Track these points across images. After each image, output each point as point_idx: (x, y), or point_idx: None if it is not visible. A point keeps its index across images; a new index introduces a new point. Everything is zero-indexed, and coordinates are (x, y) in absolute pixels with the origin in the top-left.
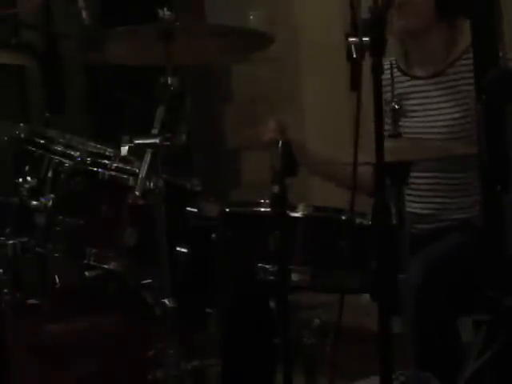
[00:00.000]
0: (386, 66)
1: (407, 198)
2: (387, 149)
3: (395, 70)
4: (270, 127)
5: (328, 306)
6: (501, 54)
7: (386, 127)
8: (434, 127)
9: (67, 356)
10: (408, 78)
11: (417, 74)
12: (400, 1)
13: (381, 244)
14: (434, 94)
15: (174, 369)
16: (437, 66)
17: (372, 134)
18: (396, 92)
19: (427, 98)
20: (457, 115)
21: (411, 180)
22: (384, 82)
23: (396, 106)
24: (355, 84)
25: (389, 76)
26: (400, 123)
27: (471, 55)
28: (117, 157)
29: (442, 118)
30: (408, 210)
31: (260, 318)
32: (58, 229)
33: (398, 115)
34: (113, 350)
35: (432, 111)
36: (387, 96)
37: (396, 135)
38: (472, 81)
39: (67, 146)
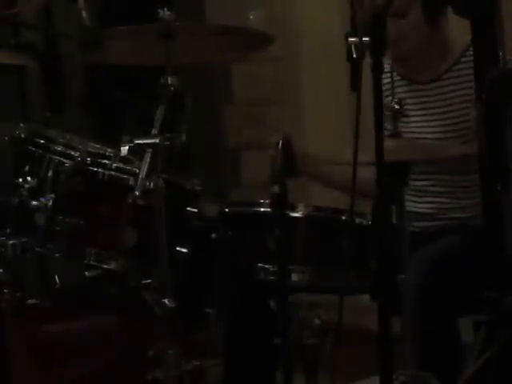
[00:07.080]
0: (386, 69)
1: (408, 197)
2: (387, 149)
3: (394, 73)
4: None
5: (328, 306)
6: (501, 54)
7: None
8: (431, 132)
9: (67, 356)
10: (406, 82)
11: (415, 78)
12: (394, 37)
13: (381, 244)
14: (433, 98)
15: (173, 369)
16: (434, 71)
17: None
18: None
19: (426, 102)
20: (454, 120)
21: (412, 180)
22: (384, 87)
23: (396, 106)
24: (355, 84)
25: (389, 80)
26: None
27: (468, 59)
28: (117, 157)
29: (439, 123)
30: (408, 208)
31: (260, 318)
32: (58, 229)
33: (398, 115)
34: (113, 350)
35: (430, 116)
36: (387, 100)
37: (396, 135)
38: (469, 84)
39: (67, 146)
